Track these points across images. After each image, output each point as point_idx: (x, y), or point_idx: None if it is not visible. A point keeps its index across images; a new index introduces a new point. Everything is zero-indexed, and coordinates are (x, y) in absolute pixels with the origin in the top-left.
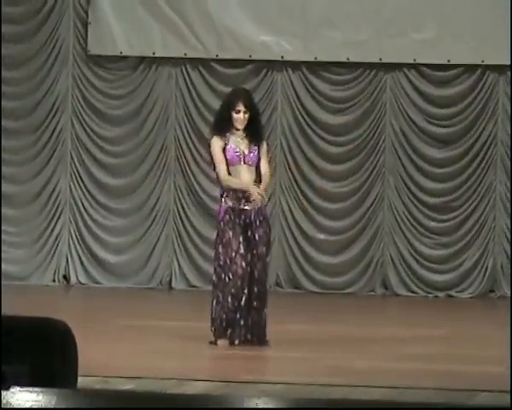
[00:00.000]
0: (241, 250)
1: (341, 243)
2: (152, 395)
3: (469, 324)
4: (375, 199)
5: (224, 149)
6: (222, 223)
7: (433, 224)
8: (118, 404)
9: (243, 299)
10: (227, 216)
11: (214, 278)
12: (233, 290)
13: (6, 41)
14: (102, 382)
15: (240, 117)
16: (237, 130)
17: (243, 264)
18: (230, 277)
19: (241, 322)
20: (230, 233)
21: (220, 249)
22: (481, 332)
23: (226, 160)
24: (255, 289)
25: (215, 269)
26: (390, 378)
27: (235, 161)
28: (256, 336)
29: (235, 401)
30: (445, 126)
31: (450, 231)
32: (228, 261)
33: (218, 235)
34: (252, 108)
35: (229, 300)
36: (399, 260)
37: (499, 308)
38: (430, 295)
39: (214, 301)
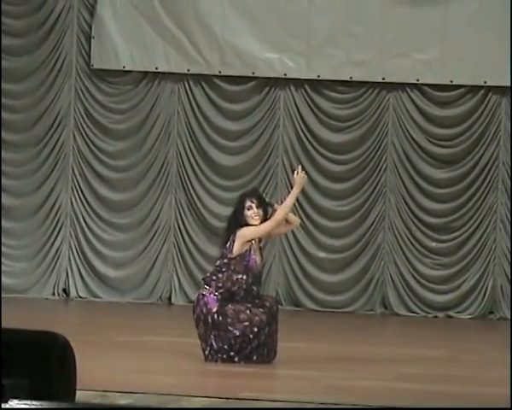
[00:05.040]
0: (249, 304)
1: (342, 261)
2: (150, 409)
3: (468, 345)
4: (375, 218)
5: (246, 254)
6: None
7: (433, 244)
8: None
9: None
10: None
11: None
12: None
13: (9, 54)
14: (101, 396)
15: (253, 212)
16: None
17: (259, 311)
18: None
19: (254, 357)
20: (232, 307)
21: (229, 312)
22: (480, 354)
23: (248, 267)
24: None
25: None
26: (389, 398)
27: (252, 269)
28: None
29: None
30: (446, 147)
31: (450, 251)
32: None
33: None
34: (263, 203)
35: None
36: (399, 280)
37: (499, 330)
38: (429, 315)
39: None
